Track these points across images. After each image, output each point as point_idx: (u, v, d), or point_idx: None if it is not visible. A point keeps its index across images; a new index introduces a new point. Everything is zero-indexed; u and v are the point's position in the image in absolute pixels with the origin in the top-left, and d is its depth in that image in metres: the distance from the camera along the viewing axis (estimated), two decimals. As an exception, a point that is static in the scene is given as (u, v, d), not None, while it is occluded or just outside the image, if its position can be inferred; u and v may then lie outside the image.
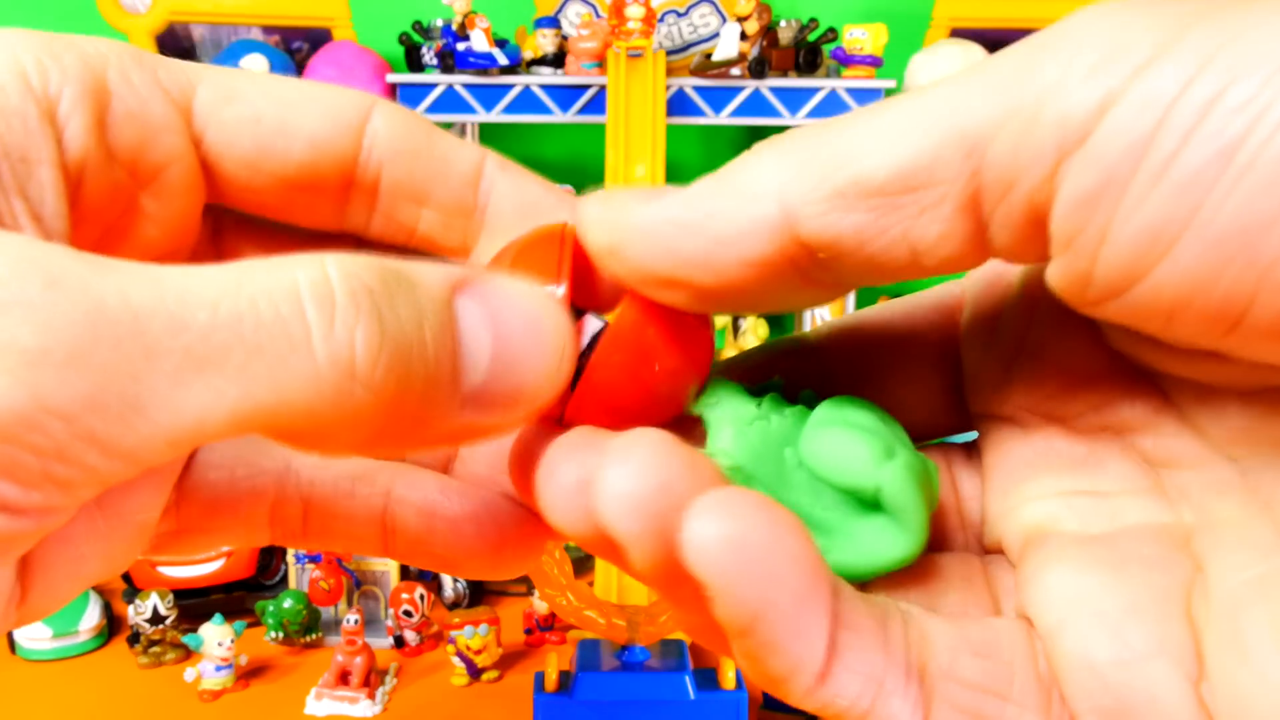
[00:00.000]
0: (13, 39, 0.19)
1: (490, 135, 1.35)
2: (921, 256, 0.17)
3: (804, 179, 0.17)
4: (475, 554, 0.23)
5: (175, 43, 1.28)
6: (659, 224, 0.18)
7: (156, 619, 0.96)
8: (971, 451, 0.23)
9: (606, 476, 0.17)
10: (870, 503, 0.20)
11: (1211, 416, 0.19)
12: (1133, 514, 0.19)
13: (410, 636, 0.98)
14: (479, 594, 1.08)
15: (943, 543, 0.23)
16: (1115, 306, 0.16)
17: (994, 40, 1.27)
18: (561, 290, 0.19)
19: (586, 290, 0.22)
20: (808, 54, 1.23)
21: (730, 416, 0.21)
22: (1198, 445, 0.19)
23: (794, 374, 0.24)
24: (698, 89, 1.21)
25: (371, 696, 0.89)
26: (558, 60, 1.20)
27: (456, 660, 0.93)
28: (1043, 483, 0.21)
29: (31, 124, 0.18)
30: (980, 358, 0.22)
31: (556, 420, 0.20)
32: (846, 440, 0.20)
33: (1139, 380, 0.20)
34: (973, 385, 0.22)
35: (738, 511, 0.16)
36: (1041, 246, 0.16)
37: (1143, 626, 0.17)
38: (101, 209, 0.20)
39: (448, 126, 1.27)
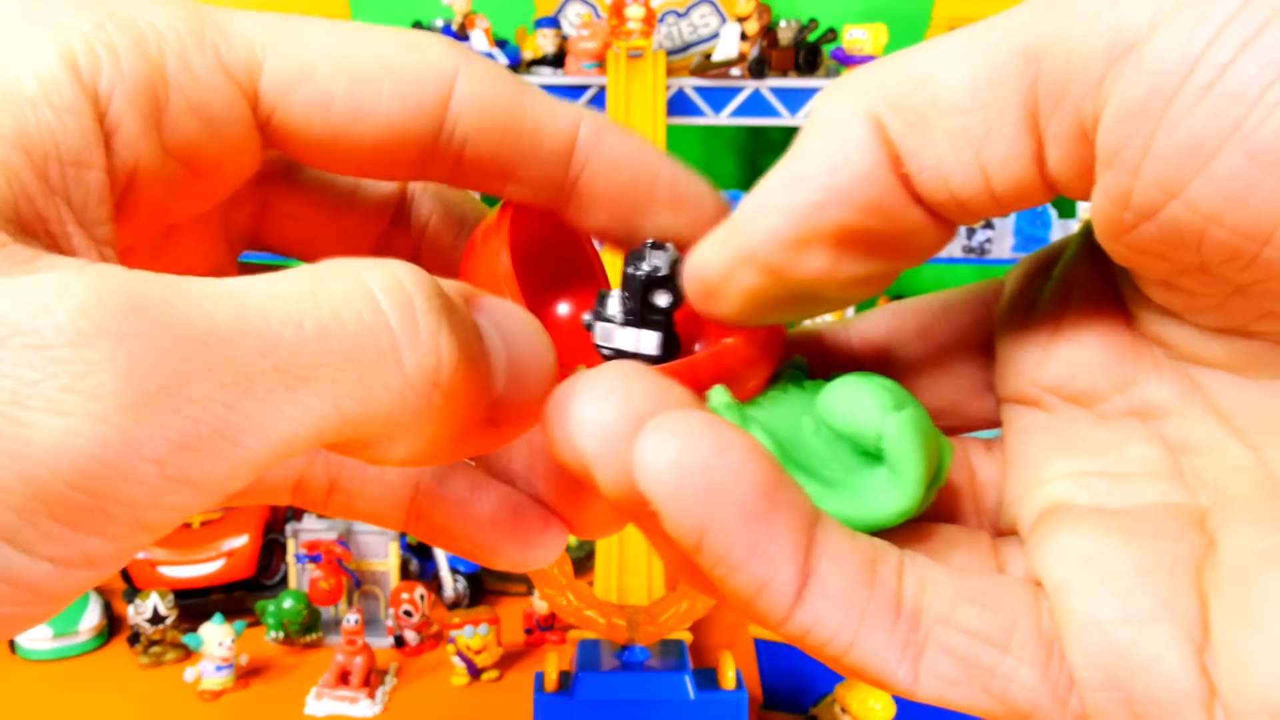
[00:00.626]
0: (62, 16, 0.17)
1: (490, 135, 1.35)
2: (992, 182, 0.17)
3: (885, 99, 0.18)
4: (497, 547, 0.23)
5: (175, 43, 1.28)
6: (768, 192, 0.19)
7: (156, 619, 0.96)
8: (991, 444, 0.23)
9: (578, 403, 0.17)
10: (876, 459, 0.21)
11: (1238, 402, 0.19)
12: (1149, 494, 0.19)
13: (410, 636, 0.98)
14: (479, 594, 1.08)
15: (955, 522, 0.23)
16: (1150, 230, 0.16)
17: (994, 40, 1.27)
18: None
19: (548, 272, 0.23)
20: (808, 54, 1.23)
21: (766, 399, 0.22)
22: (1221, 431, 0.19)
23: (821, 360, 0.24)
24: (698, 89, 1.21)
25: (371, 696, 0.89)
26: (558, 60, 1.20)
27: (456, 660, 0.93)
28: (1062, 464, 0.21)
29: (86, 123, 0.17)
30: (1013, 342, 0.22)
31: None
32: (858, 389, 0.21)
33: (1167, 365, 0.20)
34: (1003, 369, 0.22)
35: (684, 431, 0.16)
36: (1089, 171, 0.17)
37: (1150, 590, 0.17)
38: (154, 205, 0.19)
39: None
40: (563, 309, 0.25)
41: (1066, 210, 1.30)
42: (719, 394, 0.21)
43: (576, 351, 0.23)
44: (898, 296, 1.24)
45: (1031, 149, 0.17)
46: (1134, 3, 0.15)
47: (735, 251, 0.19)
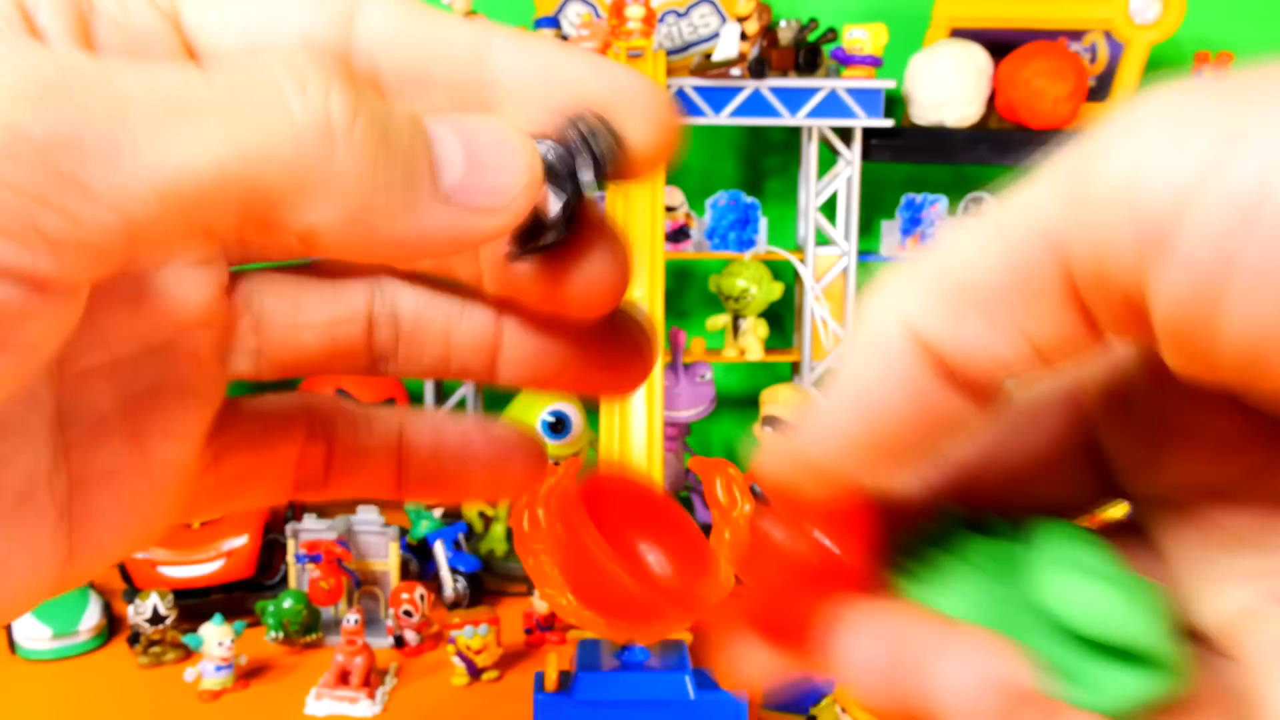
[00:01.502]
0: None
1: (490, 135, 1.35)
2: (1045, 351, 0.17)
3: (916, 298, 0.18)
4: (481, 475, 0.24)
5: (175, 43, 1.28)
6: (826, 418, 0.19)
7: (156, 619, 0.96)
8: (1135, 530, 0.22)
9: (948, 671, 0.18)
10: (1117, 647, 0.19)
11: None
12: None
13: (410, 636, 0.98)
14: (479, 594, 1.08)
15: None
16: (1244, 384, 0.16)
17: (994, 40, 1.27)
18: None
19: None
20: (808, 54, 1.23)
21: (945, 578, 0.21)
22: None
23: (940, 493, 0.23)
24: (698, 89, 1.21)
25: (371, 696, 0.89)
26: (558, 60, 1.20)
27: (456, 660, 0.93)
28: (1223, 563, 0.20)
29: (14, 24, 0.17)
30: (1123, 443, 0.21)
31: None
32: (1093, 593, 0.19)
33: None
34: (1123, 472, 0.22)
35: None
36: (1152, 330, 0.16)
37: None
38: None
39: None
40: (655, 561, 0.26)
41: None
42: (949, 603, 0.21)
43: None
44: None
45: (1079, 318, 0.17)
46: (1150, 179, 0.15)
47: (801, 470, 0.20)
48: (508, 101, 0.20)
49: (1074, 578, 0.20)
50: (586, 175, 0.20)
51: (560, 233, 0.20)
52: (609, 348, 0.24)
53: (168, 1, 0.20)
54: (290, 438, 0.24)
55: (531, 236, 0.20)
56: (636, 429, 0.92)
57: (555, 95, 0.20)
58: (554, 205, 0.20)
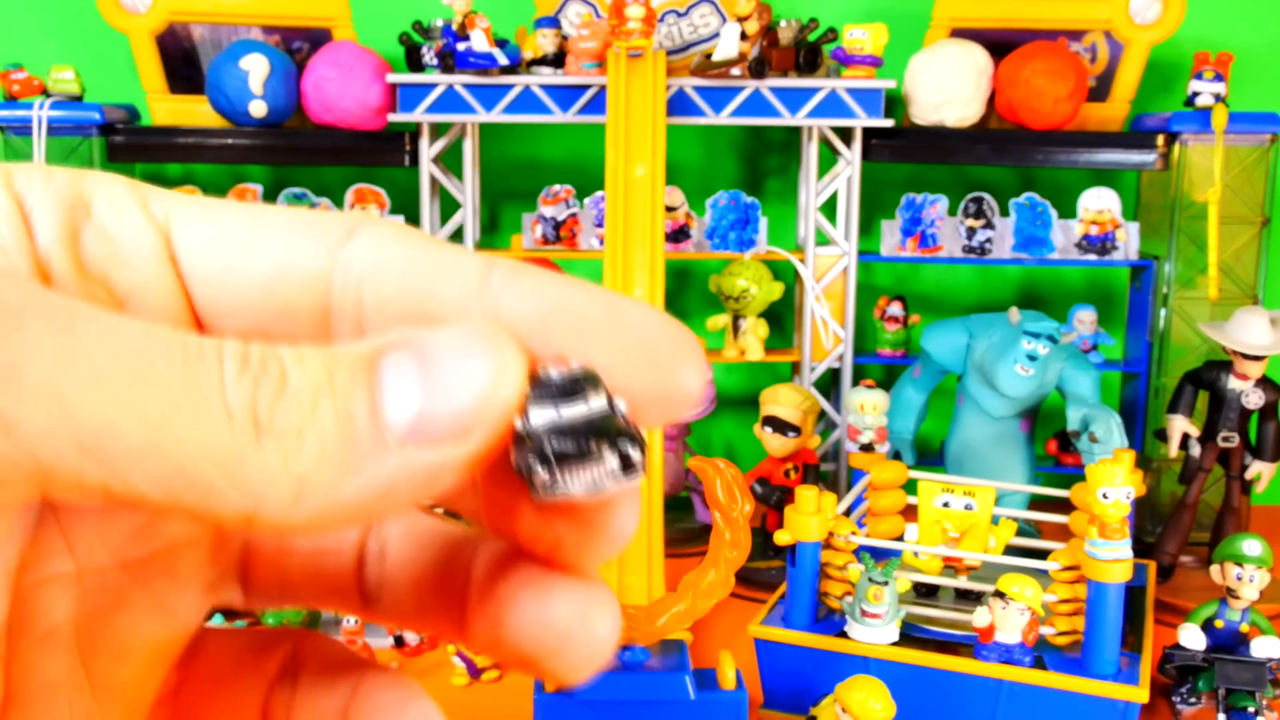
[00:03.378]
0: (12, 167, 0.18)
1: (490, 135, 1.35)
2: None
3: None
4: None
5: (175, 43, 1.29)
6: None
7: (156, 619, 0.96)
8: None
9: None
10: None
11: None
12: None
13: (410, 636, 0.98)
14: (479, 594, 1.08)
15: None
16: None
17: (994, 40, 1.27)
18: None
19: None
20: (808, 54, 1.23)
21: None
22: None
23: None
24: (698, 89, 1.21)
25: (371, 696, 0.89)
26: (558, 60, 1.20)
27: (456, 660, 0.93)
28: None
29: (8, 208, 0.18)
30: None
31: None
32: None
33: None
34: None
35: None
36: None
37: None
38: None
39: (447, 127, 1.28)
40: None
41: (1067, 210, 1.30)
42: None
43: None
44: (899, 297, 1.23)
45: None
46: None
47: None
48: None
49: None
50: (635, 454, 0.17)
51: (638, 472, 0.17)
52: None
53: (163, 213, 0.19)
54: (262, 673, 0.22)
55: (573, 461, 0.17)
56: (636, 429, 0.92)
57: (566, 339, 0.18)
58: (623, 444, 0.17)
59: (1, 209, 0.18)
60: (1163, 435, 1.18)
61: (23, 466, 0.14)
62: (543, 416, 0.17)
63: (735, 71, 1.18)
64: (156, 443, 0.15)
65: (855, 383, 1.25)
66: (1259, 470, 1.14)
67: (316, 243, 0.19)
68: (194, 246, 0.19)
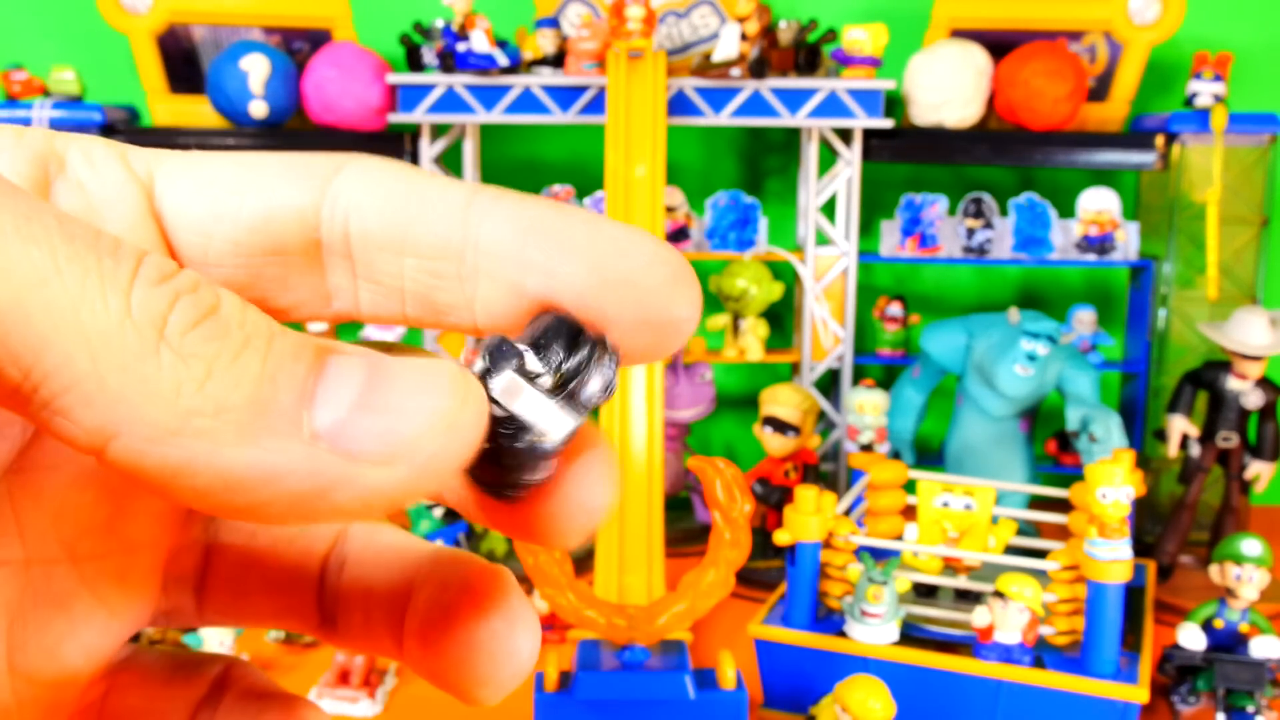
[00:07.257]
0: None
1: (490, 135, 1.35)
2: None
3: None
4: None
5: (175, 43, 1.29)
6: None
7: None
8: None
9: None
10: None
11: None
12: None
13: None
14: (479, 594, 1.08)
15: None
16: None
17: (994, 40, 1.27)
18: None
19: None
20: (808, 54, 1.23)
21: None
22: None
23: None
24: (698, 89, 1.21)
25: (372, 696, 0.89)
26: (558, 60, 1.21)
27: (457, 660, 0.93)
28: None
29: None
30: None
31: None
32: None
33: None
34: None
35: None
36: None
37: None
38: None
39: (448, 127, 1.28)
40: None
41: (1066, 210, 1.30)
42: None
43: None
44: (898, 297, 1.23)
45: None
46: None
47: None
48: (489, 265, 0.18)
49: None
50: (595, 390, 0.17)
51: (550, 470, 0.17)
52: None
53: (144, 167, 0.19)
54: (191, 692, 0.22)
55: (513, 469, 0.17)
56: (636, 429, 0.92)
57: (544, 258, 0.17)
58: (551, 427, 0.17)
59: None
60: (1162, 435, 1.18)
61: None
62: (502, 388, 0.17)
63: (735, 72, 1.18)
64: (22, 303, 0.13)
65: (855, 383, 1.26)
66: (1258, 470, 1.14)
67: (305, 180, 0.19)
68: (180, 197, 0.19)
